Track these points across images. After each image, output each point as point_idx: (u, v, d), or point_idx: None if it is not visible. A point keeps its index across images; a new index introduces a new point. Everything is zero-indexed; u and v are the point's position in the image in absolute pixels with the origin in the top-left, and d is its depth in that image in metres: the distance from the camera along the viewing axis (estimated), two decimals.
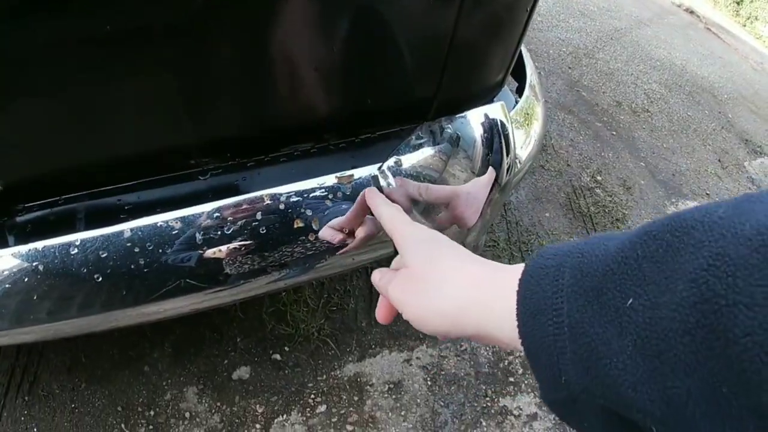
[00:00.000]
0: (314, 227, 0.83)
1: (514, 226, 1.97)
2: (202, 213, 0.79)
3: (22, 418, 1.19)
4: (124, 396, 1.25)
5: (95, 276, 0.75)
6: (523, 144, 1.11)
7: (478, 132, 0.93)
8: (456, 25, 0.80)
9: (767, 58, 7.01)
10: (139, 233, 0.76)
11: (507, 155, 0.94)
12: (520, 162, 1.07)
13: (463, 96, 0.96)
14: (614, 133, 2.77)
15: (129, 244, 0.76)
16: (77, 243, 0.75)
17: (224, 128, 0.81)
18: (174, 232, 0.78)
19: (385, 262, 0.66)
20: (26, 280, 0.73)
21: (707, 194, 2.64)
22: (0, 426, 1.19)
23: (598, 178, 2.35)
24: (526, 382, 1.47)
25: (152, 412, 1.24)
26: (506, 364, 1.50)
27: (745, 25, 8.91)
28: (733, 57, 5.82)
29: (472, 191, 0.91)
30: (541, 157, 2.34)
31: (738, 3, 9.20)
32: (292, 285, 0.92)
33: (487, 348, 1.51)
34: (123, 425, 1.22)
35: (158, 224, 0.78)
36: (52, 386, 1.25)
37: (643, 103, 3.25)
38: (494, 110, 0.94)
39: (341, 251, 0.86)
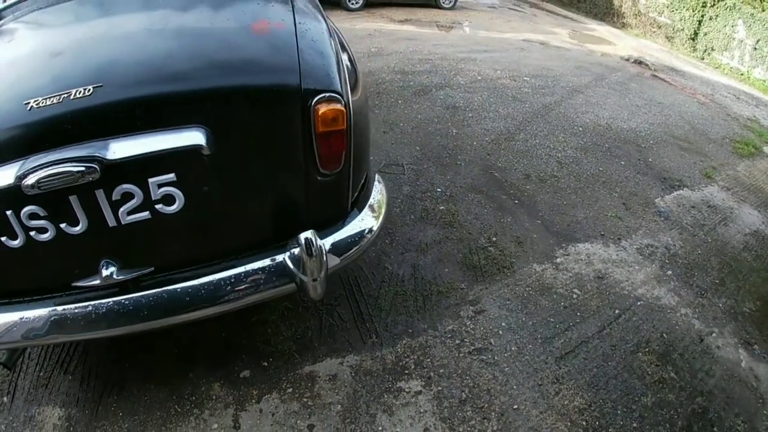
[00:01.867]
0: None
1: (420, 280, 2.71)
2: None
3: (112, 409, 2.08)
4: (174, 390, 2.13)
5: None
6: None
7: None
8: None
9: (719, 88, 7.64)
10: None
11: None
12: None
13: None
14: (517, 201, 3.51)
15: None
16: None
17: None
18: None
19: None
20: None
21: (602, 234, 3.28)
22: (97, 416, 2.09)
23: (494, 239, 3.08)
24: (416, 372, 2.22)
25: (194, 397, 2.15)
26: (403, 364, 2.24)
27: (703, 58, 9.61)
28: (678, 98, 6.49)
29: None
30: (446, 231, 3.11)
31: (692, 39, 9.92)
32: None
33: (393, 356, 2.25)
34: (176, 406, 2.11)
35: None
36: (132, 388, 2.15)
37: (552, 170, 3.98)
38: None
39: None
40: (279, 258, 1.82)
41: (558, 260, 2.96)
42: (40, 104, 1.52)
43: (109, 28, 2.14)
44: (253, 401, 2.15)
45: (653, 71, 7.46)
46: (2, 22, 2.45)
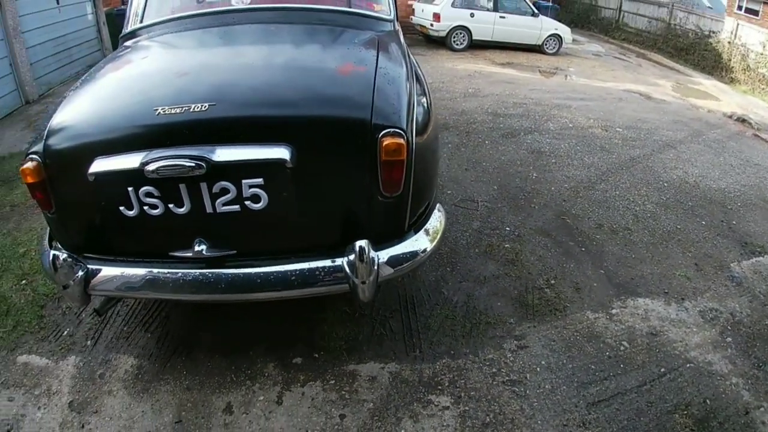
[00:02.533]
0: None
1: (471, 309, 2.85)
2: None
3: (178, 367, 2.48)
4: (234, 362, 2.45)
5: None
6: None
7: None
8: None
9: None
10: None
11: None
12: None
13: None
14: (583, 249, 3.55)
15: None
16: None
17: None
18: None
19: None
20: None
21: (665, 292, 3.24)
22: (164, 371, 2.48)
23: (552, 282, 3.15)
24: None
25: (249, 371, 2.50)
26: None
27: None
28: None
29: None
30: (506, 268, 3.23)
31: None
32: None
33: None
34: (233, 375, 2.46)
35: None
36: (198, 354, 2.51)
37: (626, 223, 3.97)
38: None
39: None
40: (338, 261, 2.11)
41: (613, 311, 2.98)
42: (166, 111, 1.97)
43: (224, 57, 2.62)
44: (299, 384, 2.46)
45: (756, 130, 7.11)
46: (137, 39, 3.06)
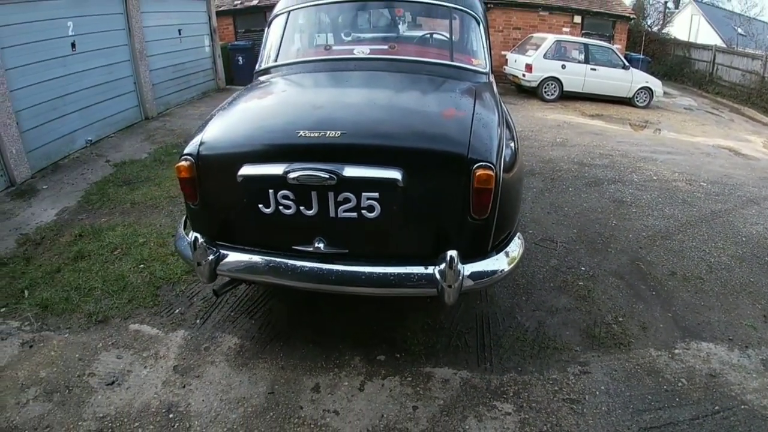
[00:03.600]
0: None
1: (541, 335, 3.15)
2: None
3: (275, 350, 2.82)
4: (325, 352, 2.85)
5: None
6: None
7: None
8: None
9: None
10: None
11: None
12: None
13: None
14: (654, 293, 3.74)
15: None
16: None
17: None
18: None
19: None
20: None
21: (730, 339, 3.34)
22: (263, 352, 2.83)
23: (620, 319, 3.38)
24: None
25: (338, 361, 2.93)
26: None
27: None
28: None
29: None
30: (578, 303, 3.50)
31: None
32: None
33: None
34: (323, 362, 2.88)
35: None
36: (295, 342, 2.90)
37: (700, 272, 4.10)
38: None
39: None
40: (430, 268, 2.48)
41: (676, 351, 3.16)
42: (307, 135, 2.46)
43: (350, 96, 3.17)
44: (380, 378, 2.85)
45: None
46: (271, 75, 3.67)
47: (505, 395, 2.72)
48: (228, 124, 2.91)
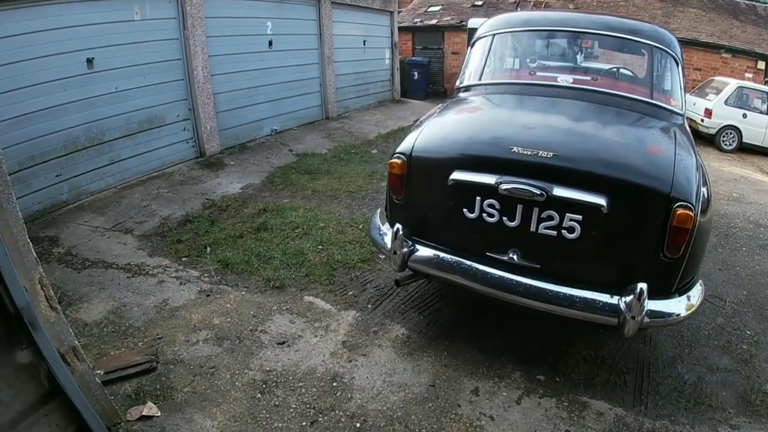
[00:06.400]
0: None
1: (698, 390, 3.24)
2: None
3: (440, 348, 3.24)
4: (487, 360, 3.27)
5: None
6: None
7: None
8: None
9: None
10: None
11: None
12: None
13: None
14: None
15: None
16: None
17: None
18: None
19: None
20: None
21: None
22: (428, 346, 3.15)
23: None
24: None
25: (499, 371, 3.13)
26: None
27: None
28: None
29: None
30: (738, 365, 3.57)
31: None
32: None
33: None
34: (484, 369, 3.16)
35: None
36: (459, 344, 3.31)
37: None
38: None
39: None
40: (614, 298, 2.47)
41: None
42: (520, 151, 2.53)
43: (557, 121, 3.13)
44: (537, 396, 3.00)
45: None
46: (472, 92, 3.86)
47: None
48: (441, 131, 3.07)
